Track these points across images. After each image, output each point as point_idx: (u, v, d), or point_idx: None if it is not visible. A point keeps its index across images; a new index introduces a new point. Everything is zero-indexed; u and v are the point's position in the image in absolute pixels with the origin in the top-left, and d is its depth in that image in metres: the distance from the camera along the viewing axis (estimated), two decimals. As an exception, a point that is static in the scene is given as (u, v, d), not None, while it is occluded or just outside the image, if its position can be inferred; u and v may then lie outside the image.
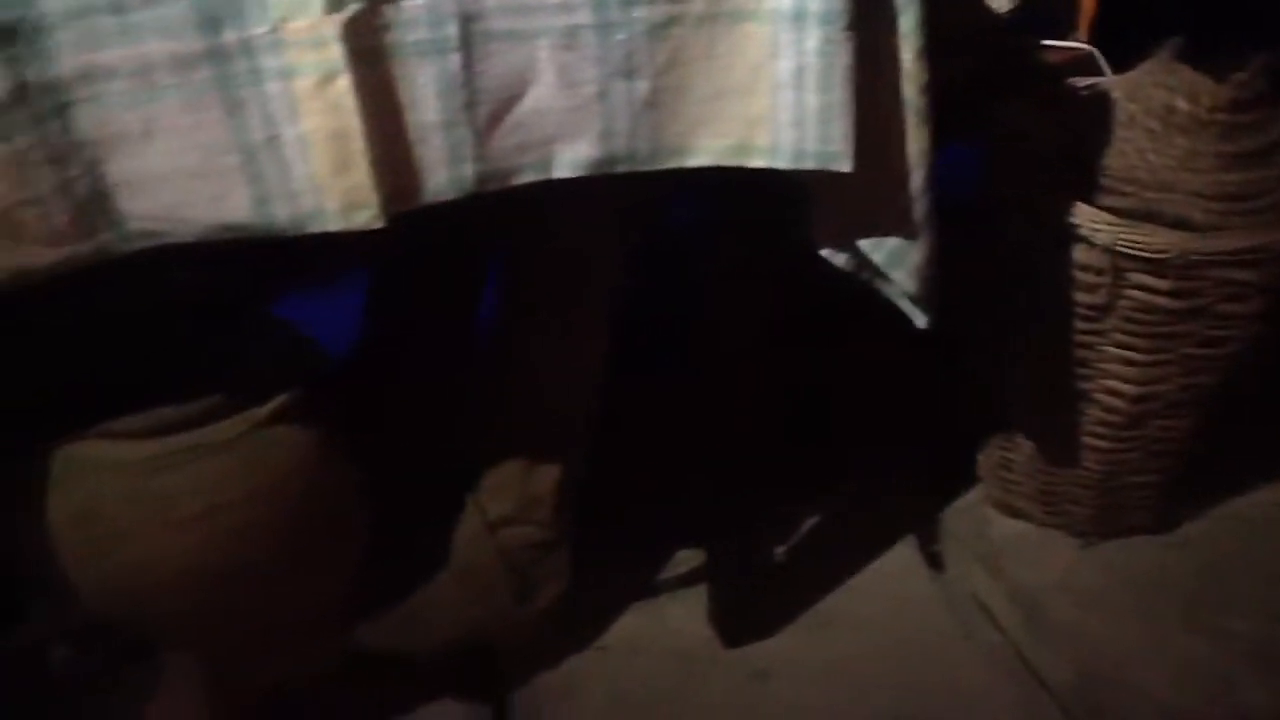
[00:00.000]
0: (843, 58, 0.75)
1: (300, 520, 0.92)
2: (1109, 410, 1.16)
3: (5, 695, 0.87)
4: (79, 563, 0.88)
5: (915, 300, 0.91)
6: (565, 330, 1.03)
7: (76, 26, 0.67)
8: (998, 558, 1.27)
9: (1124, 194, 1.07)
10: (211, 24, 0.68)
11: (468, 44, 0.73)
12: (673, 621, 1.22)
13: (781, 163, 0.79)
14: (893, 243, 0.87)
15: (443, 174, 0.76)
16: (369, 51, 0.71)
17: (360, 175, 0.73)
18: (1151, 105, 1.08)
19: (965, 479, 1.35)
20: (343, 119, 0.71)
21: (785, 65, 0.77)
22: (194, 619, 0.90)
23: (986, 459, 1.31)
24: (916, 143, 0.82)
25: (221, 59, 0.69)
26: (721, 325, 1.12)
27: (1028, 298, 1.13)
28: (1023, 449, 1.25)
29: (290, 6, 0.69)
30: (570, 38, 0.74)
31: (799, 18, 0.75)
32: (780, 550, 1.27)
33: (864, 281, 0.92)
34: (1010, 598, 1.23)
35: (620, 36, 0.75)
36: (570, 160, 0.78)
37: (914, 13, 0.78)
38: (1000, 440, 1.27)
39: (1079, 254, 1.07)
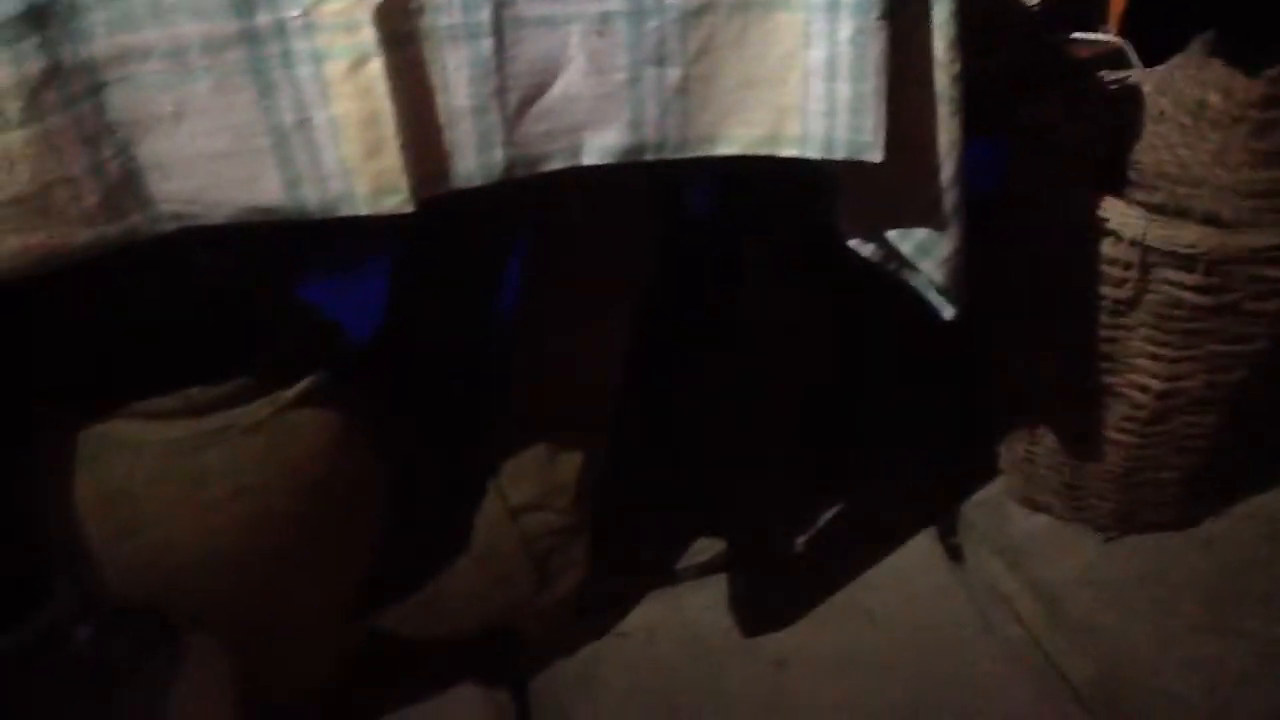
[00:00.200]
0: (875, 47, 0.75)
1: (324, 502, 0.93)
2: (1134, 405, 1.16)
3: (30, 676, 0.87)
4: (107, 542, 0.88)
5: (942, 292, 0.91)
6: (589, 318, 1.03)
7: (111, 8, 0.67)
8: (1018, 551, 1.26)
9: (1154, 189, 1.07)
10: (245, 6, 0.68)
11: (499, 29, 0.73)
12: (691, 610, 1.22)
13: (812, 152, 0.79)
14: (921, 234, 0.87)
15: (472, 159, 0.76)
16: (401, 35, 0.71)
17: (391, 159, 0.73)
18: (1183, 100, 1.07)
19: (986, 472, 1.34)
20: (374, 103, 0.71)
21: (817, 54, 0.76)
22: (219, 600, 0.90)
23: (1009, 452, 1.31)
24: (948, 134, 0.82)
25: (254, 41, 0.69)
26: (746, 315, 1.12)
27: (1054, 291, 1.13)
28: (1046, 443, 1.24)
29: (323, -11, 0.69)
30: (602, 24, 0.74)
31: (832, 7, 0.74)
32: (800, 540, 1.27)
33: (891, 272, 0.92)
34: (1031, 591, 1.22)
35: (652, 24, 0.74)
36: (599, 147, 0.78)
37: (948, 3, 0.78)
38: (1023, 434, 1.27)
39: (1107, 248, 1.06)
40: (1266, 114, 1.05)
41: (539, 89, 0.75)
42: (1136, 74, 1.17)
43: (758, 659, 1.17)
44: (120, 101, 0.69)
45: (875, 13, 0.74)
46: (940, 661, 1.16)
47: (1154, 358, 1.12)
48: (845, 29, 0.75)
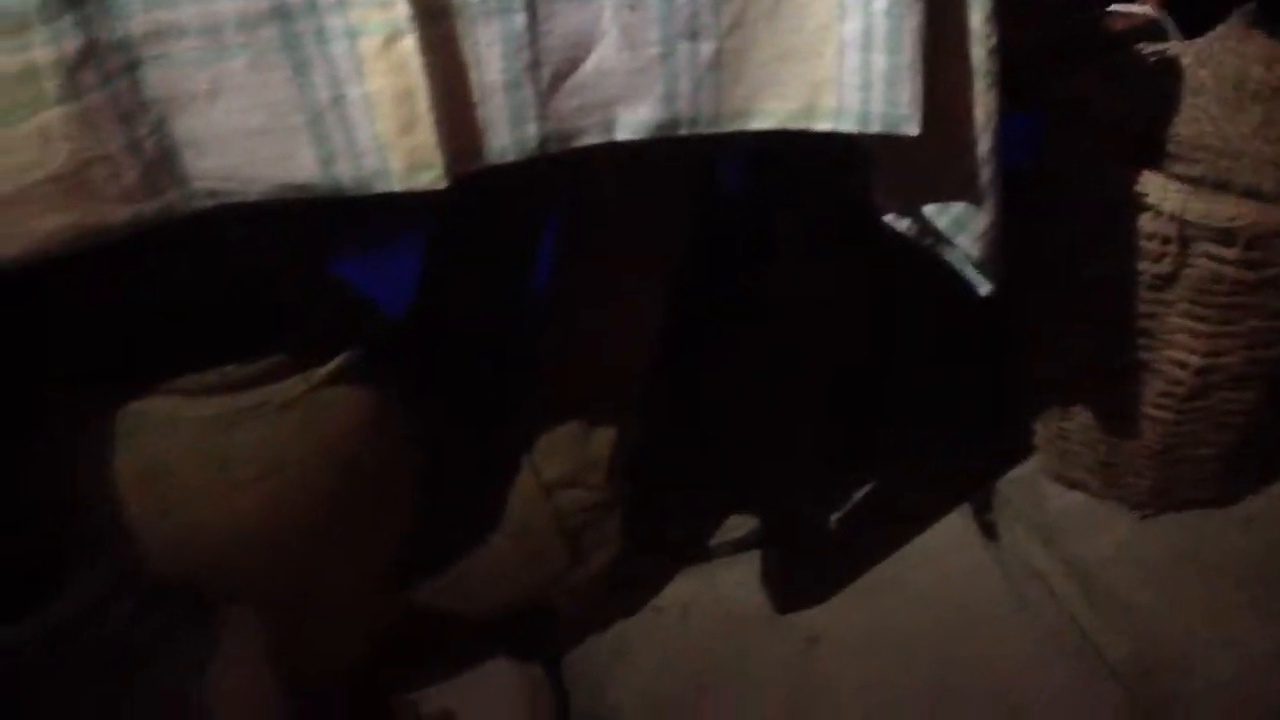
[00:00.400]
0: (912, 19, 0.74)
1: (357, 479, 0.93)
2: (1172, 382, 1.14)
3: (66, 652, 0.88)
4: (143, 519, 0.89)
5: (978, 267, 0.90)
6: (621, 294, 1.03)
7: (147, -16, 0.67)
8: (1054, 529, 1.26)
9: (1193, 162, 1.05)
10: (279, -18, 0.68)
11: (532, 4, 0.72)
12: (724, 586, 1.22)
13: (847, 126, 0.78)
14: (958, 208, 0.86)
15: (506, 135, 0.76)
16: (434, 10, 0.71)
17: (425, 135, 0.72)
18: (1224, 72, 1.06)
19: (1021, 449, 1.33)
20: (408, 79, 0.71)
21: (852, 26, 0.75)
22: (254, 576, 0.91)
23: (1044, 429, 1.30)
24: (984, 107, 0.81)
25: (288, 18, 0.69)
26: (778, 291, 1.11)
27: (1091, 267, 1.12)
28: (1081, 419, 1.23)
29: (356, -35, 0.69)
30: (635, -2, 0.74)
31: (867, -22, 0.74)
32: (833, 517, 1.27)
33: (926, 247, 0.91)
34: (1066, 569, 1.22)
35: (685, -3, 0.74)
36: (632, 122, 0.78)
37: (984, -26, 0.77)
38: (1058, 410, 1.26)
39: (1145, 223, 1.05)
40: (1310, 86, 1.04)
41: (572, 64, 0.75)
42: (1175, 46, 1.15)
43: (790, 636, 1.17)
44: (156, 79, 0.70)
45: (911, -16, 0.73)
46: (974, 639, 1.16)
47: (1192, 333, 1.10)
48: (881, 0, 0.74)
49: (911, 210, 0.88)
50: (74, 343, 0.95)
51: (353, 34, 0.70)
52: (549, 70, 0.74)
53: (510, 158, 0.77)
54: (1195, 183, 1.03)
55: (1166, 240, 1.04)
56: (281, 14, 0.69)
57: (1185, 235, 1.04)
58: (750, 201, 1.20)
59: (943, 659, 1.14)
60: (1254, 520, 1.26)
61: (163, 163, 0.72)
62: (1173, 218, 1.03)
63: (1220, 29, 1.09)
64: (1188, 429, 1.18)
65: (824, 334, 1.13)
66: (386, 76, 0.71)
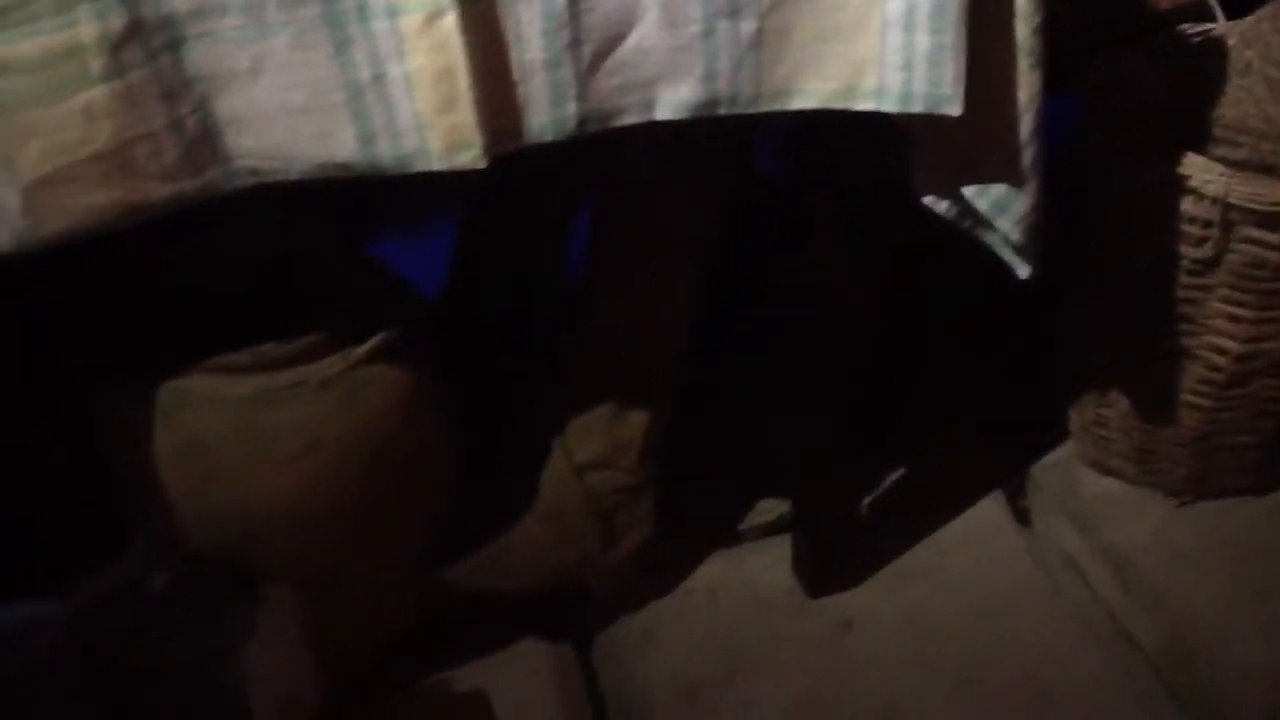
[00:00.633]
0: (956, -2, 0.73)
1: (395, 458, 0.94)
2: (1211, 368, 1.13)
3: (107, 624, 0.89)
4: (183, 496, 0.90)
5: (1018, 250, 0.89)
6: (657, 277, 1.03)
7: (190, -37, 0.68)
8: (1089, 515, 1.25)
9: (1237, 144, 1.04)
10: (320, -39, 0.68)
11: (573, -19, 0.72)
12: (755, 570, 1.22)
13: (889, 106, 0.78)
14: (999, 190, 0.85)
15: (545, 114, 0.75)
16: (475, -12, 0.71)
17: (465, 114, 0.72)
18: (1270, 52, 1.04)
19: (1056, 435, 1.32)
20: (448, 57, 0.71)
21: (895, 5, 0.75)
22: (292, 553, 0.92)
23: (1080, 415, 1.29)
24: (1028, 87, 0.80)
25: (330, -4, 0.69)
26: (814, 272, 1.11)
27: (1131, 251, 1.10)
28: (1118, 405, 1.22)
29: (397, -57, 0.69)
30: (676, -24, 0.73)
31: (911, -44, 0.73)
32: (865, 502, 1.26)
33: (966, 230, 0.90)
34: (1101, 556, 1.21)
35: (727, -25, 0.73)
36: (673, 102, 0.78)
37: (1029, -47, 0.76)
38: (1095, 396, 1.25)
39: (1188, 206, 1.04)
40: (1357, 67, 1.02)
41: (613, 42, 0.75)
42: (1220, 26, 1.13)
43: (821, 620, 1.17)
44: (199, 57, 0.70)
45: (955, -38, 0.72)
46: (1008, 626, 1.15)
47: (1233, 319, 1.09)
48: (924, -20, 0.73)
49: (951, 191, 0.87)
50: (116, 322, 0.95)
51: (394, 12, 0.70)
52: (589, 49, 0.74)
53: (549, 137, 0.77)
54: (1239, 166, 1.02)
55: (1209, 224, 1.03)
56: (323, -8, 0.69)
57: (1228, 219, 1.02)
58: (786, 182, 1.19)
59: (975, 645, 1.13)
60: (1292, 507, 1.24)
61: (205, 141, 0.73)
62: (1215, 201, 1.01)
63: (1266, 8, 1.08)
64: (1226, 416, 1.17)
65: (858, 316, 1.12)
66: (427, 55, 0.71)
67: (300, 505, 0.91)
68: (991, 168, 0.84)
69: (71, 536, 0.99)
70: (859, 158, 0.98)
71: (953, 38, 0.74)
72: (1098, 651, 1.13)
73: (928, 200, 0.89)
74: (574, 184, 1.13)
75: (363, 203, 1.07)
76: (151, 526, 0.95)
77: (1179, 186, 1.04)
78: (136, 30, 0.67)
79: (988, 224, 0.88)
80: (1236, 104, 1.04)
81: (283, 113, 0.72)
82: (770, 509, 1.26)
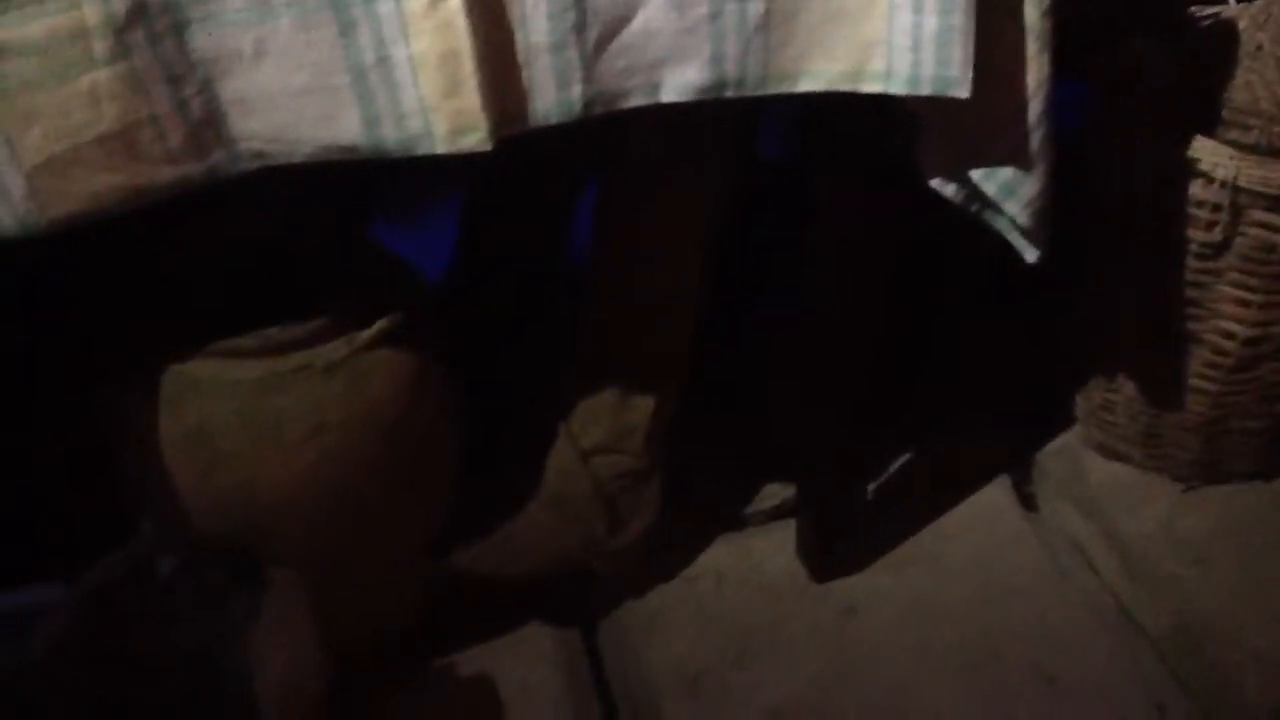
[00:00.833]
0: (965, -22, 0.73)
1: (401, 442, 0.94)
2: (1219, 352, 1.13)
3: (114, 610, 0.90)
4: (188, 481, 0.90)
5: (1026, 234, 0.89)
6: (663, 262, 1.03)
7: (194, -55, 0.67)
8: (1095, 501, 1.24)
9: (1248, 128, 1.03)
10: (324, -57, 0.68)
11: (579, -36, 0.72)
12: (760, 555, 1.22)
13: (896, 88, 0.77)
14: (1006, 173, 0.84)
15: (551, 97, 0.75)
16: (481, -30, 0.70)
17: (470, 97, 0.72)
18: (1282, 34, 1.03)
19: (1063, 420, 1.32)
20: (453, 40, 0.70)
21: (904, -14, 0.74)
22: (299, 537, 0.92)
23: (1086, 399, 1.28)
24: (1036, 70, 0.80)
25: (334, -22, 0.69)
26: (818, 257, 1.10)
27: (1140, 234, 1.10)
28: (1125, 390, 1.22)
29: (402, -75, 0.68)
30: (683, -43, 0.73)
31: (920, -63, 0.72)
32: (871, 486, 1.26)
33: (973, 213, 0.90)
34: (1107, 542, 1.20)
35: (734, -44, 0.73)
36: (679, 84, 0.77)
37: (1039, -67, 0.75)
38: (1101, 381, 1.24)
39: (1197, 190, 1.03)
40: (1369, 50, 1.01)
41: (618, 24, 0.74)
42: (1231, 8, 1.12)
43: (826, 605, 1.17)
44: (203, 40, 0.70)
45: (964, -57, 0.72)
46: (1013, 611, 1.15)
47: (1242, 303, 1.09)
48: (933, -39, 0.72)
49: (959, 175, 0.87)
50: (119, 308, 0.95)
51: (399, -7, 0.70)
52: (595, 31, 0.74)
53: (554, 120, 0.76)
54: (1249, 149, 1.01)
55: (1218, 208, 1.03)
56: (327, -26, 0.69)
57: (1237, 203, 1.02)
58: (792, 167, 1.19)
59: (980, 631, 1.13)
60: (1299, 492, 1.24)
61: (209, 124, 0.72)
62: (1225, 185, 1.01)
63: (1278, -10, 1.07)
64: (1234, 400, 1.17)
65: (864, 302, 1.12)
66: (432, 37, 0.71)
67: (306, 490, 0.91)
68: (999, 151, 0.84)
69: (77, 522, 0.99)
70: (865, 142, 0.97)
71: (961, 20, 0.74)
72: (1104, 638, 1.13)
73: (935, 183, 0.88)
74: (579, 167, 1.13)
75: (367, 186, 1.06)
76: (157, 513, 0.94)
77: (1188, 170, 1.03)
78: (140, 13, 0.67)
79: (995, 208, 0.87)
80: (1247, 87, 1.03)
81: (287, 95, 0.72)
82: (775, 494, 1.26)
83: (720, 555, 1.22)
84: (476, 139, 0.74)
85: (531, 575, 1.11)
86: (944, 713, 1.07)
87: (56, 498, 1.04)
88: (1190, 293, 1.10)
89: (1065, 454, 1.30)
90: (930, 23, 0.74)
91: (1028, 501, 1.28)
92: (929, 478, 1.28)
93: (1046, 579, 1.19)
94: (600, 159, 1.04)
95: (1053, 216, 0.88)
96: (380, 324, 0.91)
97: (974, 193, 0.87)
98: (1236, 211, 1.03)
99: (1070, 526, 1.24)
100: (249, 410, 0.88)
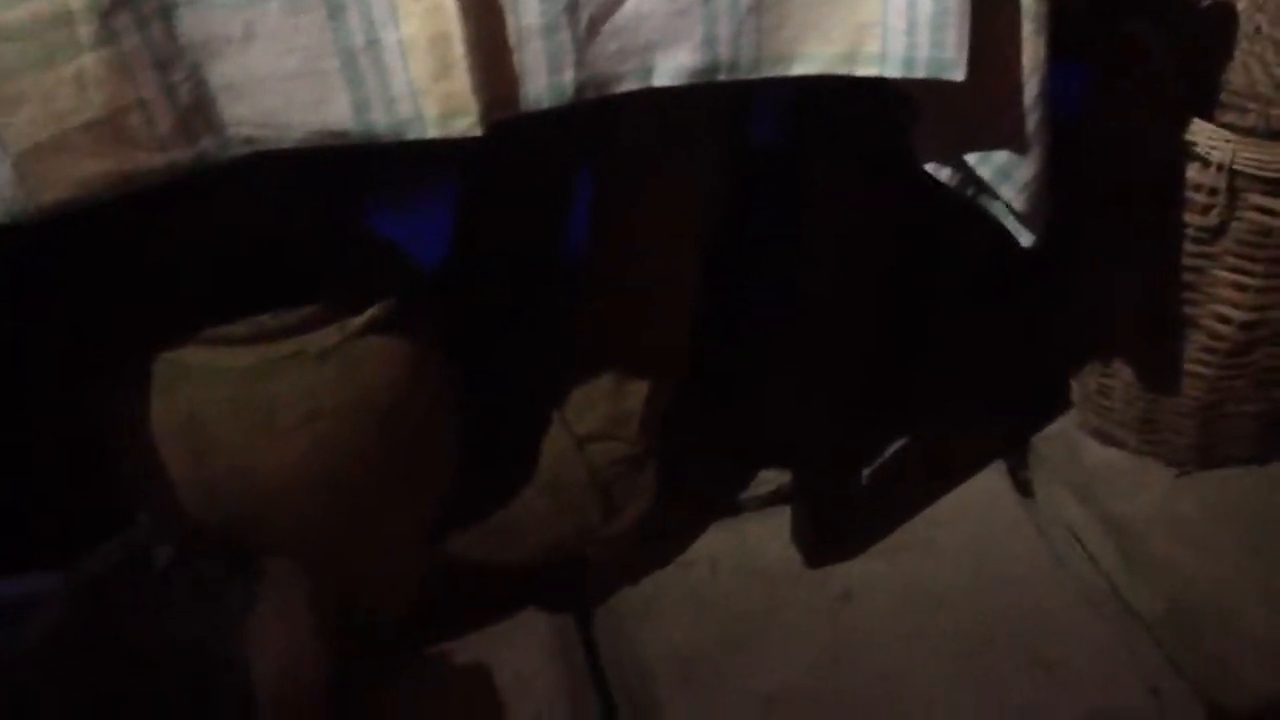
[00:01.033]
0: (960, -40, 0.72)
1: (396, 429, 0.93)
2: (1216, 337, 1.12)
3: (109, 599, 0.89)
4: (182, 469, 0.90)
5: (1021, 218, 0.88)
6: (658, 248, 1.02)
7: (181, -73, 0.66)
8: (1091, 485, 1.24)
9: (1244, 110, 1.02)
10: (313, -76, 0.67)
11: (571, -56, 0.71)
12: (755, 541, 1.22)
13: (892, 71, 0.77)
14: (1002, 157, 0.84)
15: (543, 80, 0.74)
16: (471, -48, 0.70)
17: (460, 81, 0.71)
18: None
19: (1058, 405, 1.32)
20: (443, 22, 0.70)
21: (898, -31, 0.74)
22: (294, 525, 0.92)
23: (1081, 385, 1.28)
24: (1032, 52, 0.79)
25: (323, -40, 0.68)
26: (814, 241, 1.10)
27: (1136, 218, 1.09)
28: (1122, 374, 1.21)
29: (393, -94, 0.68)
30: (676, -62, 0.72)
31: (915, -82, 0.72)
32: (867, 471, 1.26)
33: (969, 197, 0.89)
34: (1103, 526, 1.20)
35: (727, -63, 0.72)
36: (672, 68, 0.76)
37: (1035, -85, 0.75)
38: (1097, 365, 1.24)
39: (1193, 173, 1.03)
40: (1366, 32, 1.01)
41: (611, 6, 0.73)
42: (1229, -9, 1.12)
43: (822, 591, 1.17)
44: (191, 23, 0.69)
45: (960, -77, 0.71)
46: (1008, 597, 1.15)
47: (1238, 287, 1.09)
48: (928, -58, 0.72)
49: (954, 158, 0.87)
50: (110, 296, 0.95)
51: (388, -25, 0.69)
52: (587, 13, 0.73)
53: (546, 104, 0.76)
54: (1247, 132, 1.01)
55: (1214, 191, 1.02)
56: (316, -44, 0.68)
57: (1234, 186, 1.01)
58: (787, 152, 1.18)
59: (976, 616, 1.13)
60: (1294, 478, 1.24)
61: (198, 109, 0.72)
62: (1221, 168, 1.01)
63: (1275, -27, 1.06)
64: (1230, 385, 1.17)
65: (859, 288, 1.12)
66: (421, 20, 0.70)
67: (299, 478, 0.91)
68: (995, 134, 0.83)
69: (72, 512, 0.98)
70: (860, 126, 0.97)
71: (956, 2, 0.73)
72: (1099, 623, 1.13)
73: (930, 167, 0.88)
74: (574, 152, 1.12)
75: (360, 172, 1.06)
76: (150, 503, 0.94)
77: (1185, 153, 1.03)
78: (127, -3, 0.66)
79: (991, 191, 0.87)
80: (1245, 69, 1.03)
81: (276, 79, 0.71)
82: (770, 480, 1.26)
83: (715, 541, 1.22)
84: (467, 123, 0.73)
85: (527, 562, 1.10)
86: (939, 699, 1.07)
87: (51, 487, 1.04)
88: (1187, 277, 1.10)
89: (1061, 439, 1.30)
90: (925, 4, 0.74)
91: (1023, 487, 1.28)
92: (924, 464, 1.27)
93: (1042, 564, 1.19)
94: (594, 146, 1.03)
95: (1049, 200, 0.87)
96: (373, 310, 0.91)
97: (969, 176, 0.87)
98: (1233, 195, 1.02)
99: (1066, 512, 1.24)
100: (241, 398, 0.87)
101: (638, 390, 1.07)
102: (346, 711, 0.92)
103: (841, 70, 0.78)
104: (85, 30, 0.66)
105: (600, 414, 1.08)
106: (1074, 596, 1.16)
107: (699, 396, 1.16)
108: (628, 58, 0.76)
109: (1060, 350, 1.30)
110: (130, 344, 0.89)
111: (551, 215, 1.19)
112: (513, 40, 0.73)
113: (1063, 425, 1.31)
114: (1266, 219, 1.03)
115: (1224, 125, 1.02)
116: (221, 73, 0.71)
